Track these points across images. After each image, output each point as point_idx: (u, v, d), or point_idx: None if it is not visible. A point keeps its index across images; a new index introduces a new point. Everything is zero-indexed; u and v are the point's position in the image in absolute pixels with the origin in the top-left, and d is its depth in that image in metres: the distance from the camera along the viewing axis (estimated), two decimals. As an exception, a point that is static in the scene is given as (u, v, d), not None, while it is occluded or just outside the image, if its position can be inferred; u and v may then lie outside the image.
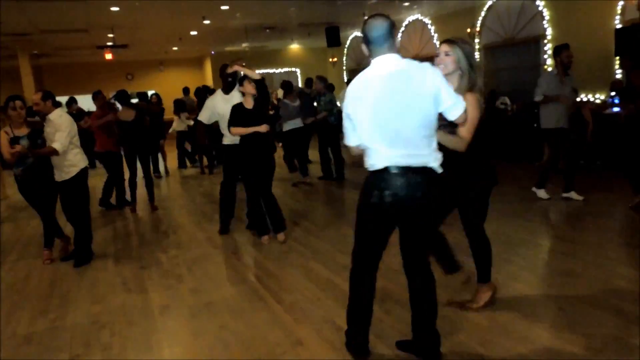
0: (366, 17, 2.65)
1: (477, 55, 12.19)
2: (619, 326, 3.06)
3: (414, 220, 2.63)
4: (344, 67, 18.71)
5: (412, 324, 2.84)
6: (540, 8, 10.37)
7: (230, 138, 5.34)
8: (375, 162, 2.57)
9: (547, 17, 10.26)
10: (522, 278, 3.96)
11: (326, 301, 3.75)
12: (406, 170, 2.51)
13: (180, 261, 4.99)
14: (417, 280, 2.82)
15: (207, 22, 12.16)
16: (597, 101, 9.00)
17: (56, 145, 4.73)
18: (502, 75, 11.86)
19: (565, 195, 6.27)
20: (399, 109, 2.48)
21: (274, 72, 20.00)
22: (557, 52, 6.12)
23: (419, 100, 2.48)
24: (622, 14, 8.74)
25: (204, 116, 5.83)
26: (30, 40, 12.80)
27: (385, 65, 2.55)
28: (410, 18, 14.38)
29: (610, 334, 2.98)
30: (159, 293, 4.22)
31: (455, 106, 2.56)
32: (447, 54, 3.10)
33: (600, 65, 9.08)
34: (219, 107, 5.57)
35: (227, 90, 5.63)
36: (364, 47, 2.62)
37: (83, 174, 5.05)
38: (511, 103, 10.04)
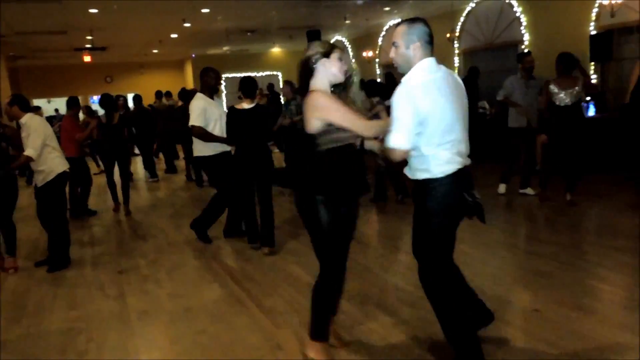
0: (414, 18, 2.67)
1: (456, 59, 12.41)
2: (594, 326, 3.12)
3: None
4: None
5: (471, 303, 2.99)
6: (517, 14, 10.54)
7: (213, 147, 5.24)
8: (442, 165, 2.53)
9: (524, 23, 10.43)
10: (497, 279, 4.00)
11: (306, 305, 3.73)
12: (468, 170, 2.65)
13: (160, 266, 4.95)
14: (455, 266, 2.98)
15: (187, 25, 12.09)
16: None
17: (28, 151, 4.68)
18: (480, 80, 12.00)
19: (521, 191, 6.68)
20: (464, 111, 2.65)
21: (256, 76, 19.92)
22: (519, 58, 6.63)
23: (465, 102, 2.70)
24: (596, 20, 8.91)
25: (200, 120, 5.19)
26: (6, 42, 12.58)
27: (439, 67, 2.64)
28: (391, 22, 14.48)
29: (585, 334, 3.03)
30: (138, 298, 4.17)
31: None
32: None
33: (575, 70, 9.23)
34: (210, 110, 5.26)
35: (211, 94, 5.44)
36: (415, 47, 2.55)
37: (61, 178, 4.98)
38: (490, 107, 10.17)
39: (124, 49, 15.98)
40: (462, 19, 12.11)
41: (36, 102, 16.74)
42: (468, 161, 2.64)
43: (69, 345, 3.39)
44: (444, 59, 12.19)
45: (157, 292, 4.28)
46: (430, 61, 2.58)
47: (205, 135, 5.16)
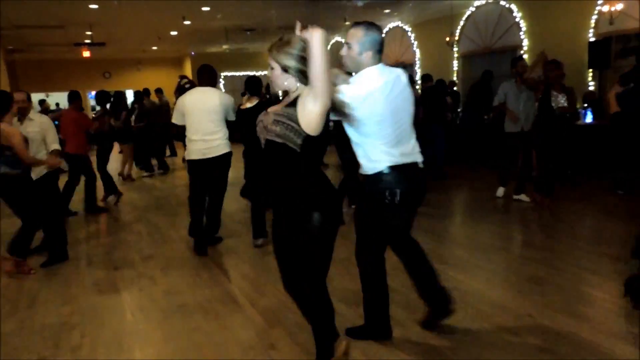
0: (370, 23, 2.80)
1: (455, 63, 12.45)
2: (587, 332, 3.14)
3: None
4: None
5: (420, 292, 3.21)
6: (517, 19, 10.58)
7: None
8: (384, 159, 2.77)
9: (523, 28, 10.48)
10: (491, 283, 4.02)
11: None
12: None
13: (154, 263, 4.95)
14: (407, 252, 3.17)
15: (187, 22, 12.09)
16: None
17: (56, 146, 4.90)
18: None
19: (516, 197, 6.72)
20: (406, 112, 2.88)
21: (254, 75, 19.93)
22: (513, 63, 6.66)
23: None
24: (595, 27, 8.97)
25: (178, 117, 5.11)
26: (4, 35, 12.55)
27: (389, 72, 2.88)
28: (391, 25, 14.53)
29: (578, 340, 3.05)
30: (132, 294, 4.17)
31: None
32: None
33: (573, 77, 9.27)
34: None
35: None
36: (367, 55, 2.78)
37: (56, 174, 5.00)
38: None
39: (123, 45, 15.94)
40: (461, 22, 12.15)
41: (34, 96, 16.69)
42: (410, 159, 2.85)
43: (62, 340, 3.39)
44: (442, 63, 12.28)
45: (152, 289, 4.28)
46: (378, 68, 2.82)
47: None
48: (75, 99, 7.12)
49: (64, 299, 4.12)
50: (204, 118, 4.89)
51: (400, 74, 2.93)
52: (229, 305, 3.83)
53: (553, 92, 6.19)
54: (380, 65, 2.81)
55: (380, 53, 2.82)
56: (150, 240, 5.75)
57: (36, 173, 4.89)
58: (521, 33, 10.51)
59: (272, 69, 2.42)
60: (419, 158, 2.92)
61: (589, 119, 8.29)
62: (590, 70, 9.06)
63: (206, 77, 5.09)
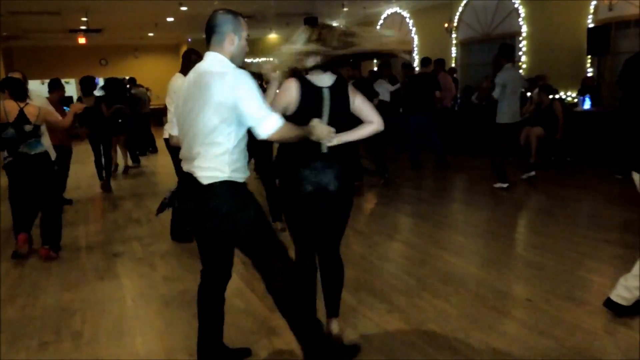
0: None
1: (453, 50, 12.39)
2: (584, 316, 3.17)
3: None
4: (322, 58, 18.66)
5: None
6: (516, 5, 10.52)
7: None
8: None
9: (522, 15, 10.42)
10: (489, 268, 4.05)
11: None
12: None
13: (154, 249, 4.95)
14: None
15: (183, 8, 11.99)
16: (569, 99, 9.20)
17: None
18: (477, 71, 12.01)
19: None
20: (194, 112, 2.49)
21: (252, 62, 19.84)
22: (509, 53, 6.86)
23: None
24: (594, 13, 8.93)
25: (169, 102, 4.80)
26: (-1, 21, 12.45)
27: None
28: (389, 11, 14.43)
29: (576, 324, 3.08)
30: (132, 281, 4.18)
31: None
32: None
33: (572, 64, 9.28)
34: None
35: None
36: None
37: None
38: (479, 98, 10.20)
39: (119, 31, 15.82)
40: (460, 9, 12.07)
41: (30, 83, 16.59)
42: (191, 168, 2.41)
43: (63, 326, 3.40)
44: (441, 49, 12.21)
45: (152, 275, 4.29)
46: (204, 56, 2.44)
47: None
48: (56, 87, 6.74)
49: (64, 286, 4.12)
50: None
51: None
52: (229, 291, 3.80)
53: None
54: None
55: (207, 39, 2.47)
56: (149, 227, 5.75)
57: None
58: (520, 19, 10.46)
59: None
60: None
61: (587, 105, 8.28)
62: (589, 56, 9.03)
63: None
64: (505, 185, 6.68)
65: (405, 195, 6.82)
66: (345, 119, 2.66)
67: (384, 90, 9.36)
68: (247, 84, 2.29)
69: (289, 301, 2.55)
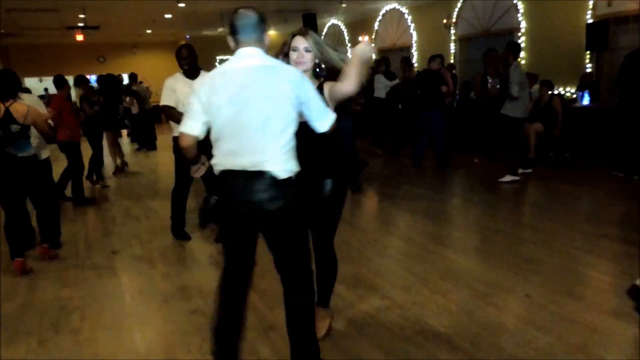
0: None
1: (452, 46, 12.37)
2: (583, 312, 3.17)
3: None
4: (321, 55, 18.63)
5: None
6: (515, 1, 10.50)
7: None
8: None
9: (521, 11, 10.41)
10: (488, 264, 4.05)
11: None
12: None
13: (153, 246, 4.95)
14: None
15: (182, 5, 11.94)
16: (567, 95, 9.19)
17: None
18: (476, 67, 11.99)
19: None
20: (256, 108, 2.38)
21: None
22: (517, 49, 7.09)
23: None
24: (593, 9, 8.91)
25: (171, 99, 4.73)
26: (-4, 18, 12.41)
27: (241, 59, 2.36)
28: (388, 7, 14.39)
29: (574, 319, 3.08)
30: (131, 278, 4.18)
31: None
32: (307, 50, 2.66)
33: (571, 59, 9.27)
34: (180, 89, 4.70)
35: (191, 75, 4.81)
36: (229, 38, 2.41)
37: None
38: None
39: (117, 28, 15.78)
40: (458, 5, 12.05)
41: (27, 80, 16.55)
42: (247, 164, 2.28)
43: (62, 323, 3.40)
44: (440, 46, 12.19)
45: (151, 272, 4.28)
46: (238, 52, 2.37)
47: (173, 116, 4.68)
48: (64, 84, 6.89)
49: (63, 283, 4.12)
50: None
51: None
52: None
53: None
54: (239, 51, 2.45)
55: (234, 35, 2.41)
56: (148, 224, 5.75)
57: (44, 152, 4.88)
58: (519, 15, 10.44)
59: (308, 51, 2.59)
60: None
61: (586, 101, 8.28)
62: (588, 52, 9.03)
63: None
64: (517, 178, 6.79)
65: (404, 191, 6.81)
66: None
67: (382, 86, 9.34)
68: (306, 79, 2.35)
69: (305, 318, 2.52)
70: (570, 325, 3.02)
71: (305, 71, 2.58)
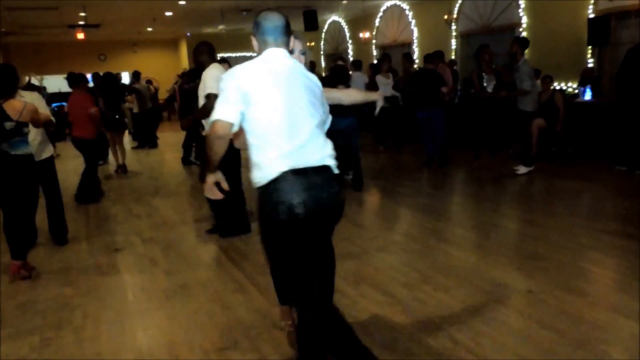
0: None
1: (453, 42, 12.34)
2: (586, 308, 3.16)
3: None
4: (322, 52, 18.62)
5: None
6: (516, -4, 10.47)
7: None
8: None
9: (522, 6, 10.37)
10: (491, 260, 4.04)
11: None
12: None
13: (155, 244, 4.95)
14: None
15: (182, 2, 11.93)
16: (569, 90, 9.17)
17: (51, 118, 4.67)
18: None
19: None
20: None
21: (252, 56, 19.75)
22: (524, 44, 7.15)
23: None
24: (594, 3, 8.88)
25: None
26: (-5, 17, 12.40)
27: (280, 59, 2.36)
28: (388, 3, 14.36)
29: (577, 315, 3.08)
30: (133, 276, 4.19)
31: None
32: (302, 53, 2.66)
33: (572, 54, 9.24)
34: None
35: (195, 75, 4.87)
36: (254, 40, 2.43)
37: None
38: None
39: (117, 26, 15.76)
40: (459, 0, 12.01)
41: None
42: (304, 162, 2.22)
43: (65, 320, 3.40)
44: (441, 42, 12.16)
45: (153, 270, 4.29)
46: (268, 52, 2.37)
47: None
48: (81, 80, 7.02)
49: (66, 281, 4.12)
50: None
51: None
52: (230, 285, 3.85)
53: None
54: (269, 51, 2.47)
55: (264, 36, 2.42)
56: (150, 222, 5.75)
57: (37, 156, 4.82)
58: (520, 10, 10.40)
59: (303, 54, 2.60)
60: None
61: (587, 96, 8.25)
62: (590, 47, 8.99)
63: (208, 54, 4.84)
64: (531, 168, 6.96)
65: (405, 188, 6.80)
66: None
67: (385, 86, 9.28)
68: None
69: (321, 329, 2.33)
70: (573, 321, 3.01)
71: None
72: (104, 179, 7.96)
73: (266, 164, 2.21)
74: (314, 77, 2.42)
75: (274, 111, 2.22)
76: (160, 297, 3.73)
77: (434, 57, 8.43)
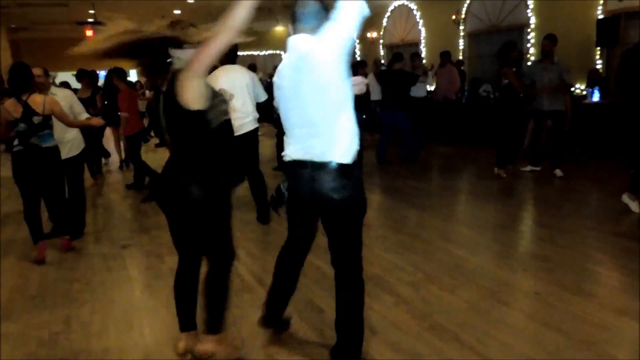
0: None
1: (460, 42, 12.30)
2: (593, 309, 3.16)
3: None
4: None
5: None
6: (524, -4, 10.43)
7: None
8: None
9: (531, 6, 10.33)
10: (497, 261, 4.04)
11: (306, 282, 3.78)
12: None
13: (162, 241, 4.96)
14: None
15: (191, 1, 11.98)
16: (577, 91, 9.12)
17: (86, 115, 5.05)
18: (485, 63, 11.94)
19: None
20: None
21: (258, 55, 19.80)
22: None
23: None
24: (603, 4, 8.83)
25: None
26: (6, 13, 12.47)
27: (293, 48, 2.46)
28: (396, 3, 14.34)
29: (584, 317, 3.07)
30: (140, 272, 4.21)
31: None
32: None
33: (581, 55, 9.19)
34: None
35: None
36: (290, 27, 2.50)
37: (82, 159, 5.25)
38: (493, 90, 10.12)
39: (126, 24, 15.82)
40: (467, 0, 11.97)
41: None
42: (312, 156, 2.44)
43: (73, 316, 3.43)
44: (448, 41, 12.14)
45: (160, 266, 4.31)
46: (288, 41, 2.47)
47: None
48: (124, 73, 7.21)
49: (73, 277, 4.16)
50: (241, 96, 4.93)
51: None
52: (237, 284, 3.85)
53: None
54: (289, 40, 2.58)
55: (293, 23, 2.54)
56: (157, 219, 5.77)
57: (64, 153, 4.86)
58: (528, 11, 10.36)
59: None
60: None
61: (595, 97, 8.21)
62: (598, 48, 8.95)
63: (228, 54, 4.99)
64: (538, 168, 7.04)
65: (411, 187, 6.80)
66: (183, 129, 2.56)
67: (376, 86, 9.19)
68: None
69: (353, 314, 2.56)
70: (580, 322, 3.01)
71: None
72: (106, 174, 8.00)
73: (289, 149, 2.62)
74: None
75: (288, 111, 2.55)
76: (167, 294, 3.73)
77: (402, 58, 8.26)
